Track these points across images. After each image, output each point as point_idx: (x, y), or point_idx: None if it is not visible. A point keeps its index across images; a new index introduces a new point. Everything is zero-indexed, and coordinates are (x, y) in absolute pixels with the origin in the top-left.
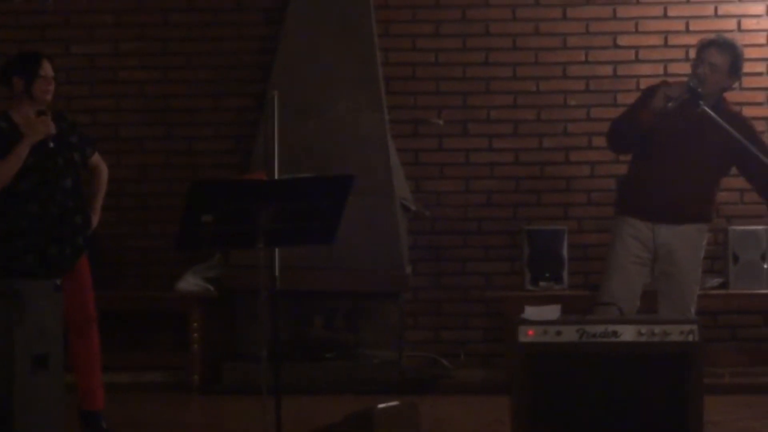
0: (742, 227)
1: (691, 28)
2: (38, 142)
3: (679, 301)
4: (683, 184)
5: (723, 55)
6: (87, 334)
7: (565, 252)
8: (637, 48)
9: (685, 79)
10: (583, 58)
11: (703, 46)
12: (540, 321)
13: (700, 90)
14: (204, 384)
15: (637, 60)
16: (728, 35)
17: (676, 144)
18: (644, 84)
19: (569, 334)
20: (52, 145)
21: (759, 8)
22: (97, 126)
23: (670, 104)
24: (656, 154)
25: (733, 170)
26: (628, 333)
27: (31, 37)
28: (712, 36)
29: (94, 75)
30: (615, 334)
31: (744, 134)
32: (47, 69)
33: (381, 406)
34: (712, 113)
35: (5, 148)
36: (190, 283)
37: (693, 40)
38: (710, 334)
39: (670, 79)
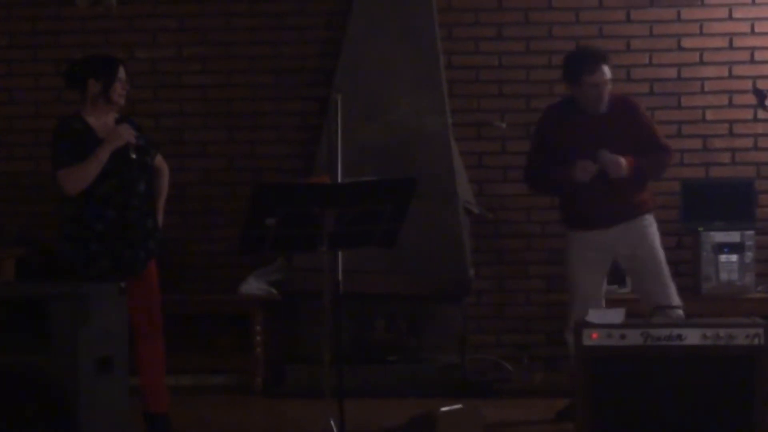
0: None
1: (757, 30)
2: (116, 147)
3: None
4: (608, 189)
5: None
6: (152, 337)
7: None
8: (701, 50)
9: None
10: (647, 61)
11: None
12: (604, 324)
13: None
14: (267, 387)
15: (702, 62)
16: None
17: (587, 156)
18: (708, 86)
19: (633, 337)
20: (134, 156)
21: None
22: (161, 130)
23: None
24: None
25: None
26: (693, 336)
27: (95, 42)
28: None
29: (157, 79)
30: (680, 337)
31: (630, 116)
32: (123, 73)
33: (444, 409)
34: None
35: (82, 150)
36: (253, 286)
37: (758, 42)
38: None
39: (734, 83)
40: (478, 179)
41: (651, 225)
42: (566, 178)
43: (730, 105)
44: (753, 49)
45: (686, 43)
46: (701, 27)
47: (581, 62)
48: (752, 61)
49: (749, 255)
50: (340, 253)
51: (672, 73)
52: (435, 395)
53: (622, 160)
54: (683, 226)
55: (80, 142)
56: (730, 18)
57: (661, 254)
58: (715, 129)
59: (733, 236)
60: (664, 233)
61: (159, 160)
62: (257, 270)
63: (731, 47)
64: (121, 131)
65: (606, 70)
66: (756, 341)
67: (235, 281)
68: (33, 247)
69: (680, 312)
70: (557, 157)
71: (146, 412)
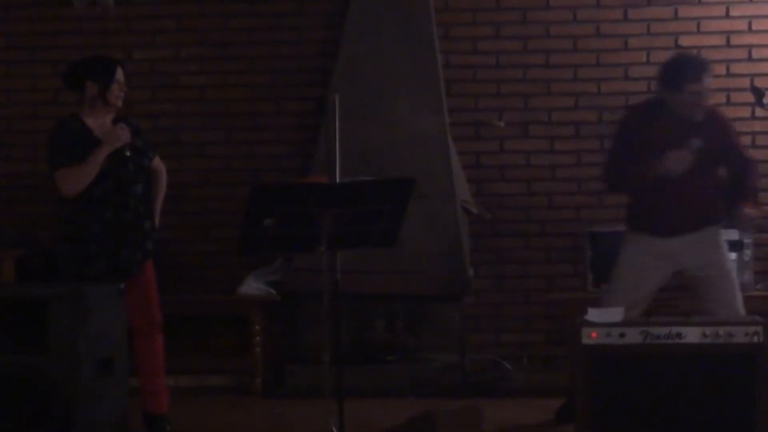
0: None
1: (754, 27)
2: (114, 149)
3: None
4: (686, 196)
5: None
6: (152, 337)
7: None
8: (699, 48)
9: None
10: (644, 59)
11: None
12: (603, 323)
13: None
14: (266, 387)
15: None
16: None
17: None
18: None
19: (633, 336)
20: (128, 153)
21: None
22: (159, 131)
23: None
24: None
25: None
26: (692, 335)
27: (93, 43)
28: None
29: (155, 80)
30: (679, 335)
31: (720, 127)
32: (121, 74)
33: (443, 409)
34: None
35: (80, 151)
36: (252, 286)
37: (756, 39)
38: None
39: (732, 81)
40: (476, 179)
41: (719, 235)
42: (655, 170)
43: (728, 103)
44: (750, 46)
45: (684, 41)
46: (698, 25)
47: (685, 69)
48: (750, 59)
49: (748, 253)
50: (338, 253)
51: None
52: (434, 395)
53: (754, 213)
54: None
55: (78, 143)
56: (728, 16)
57: (731, 266)
58: None
59: (732, 234)
60: None
61: (156, 161)
62: (256, 270)
63: (728, 45)
64: (118, 132)
65: (708, 79)
66: (755, 339)
67: (234, 282)
68: (32, 249)
69: None
70: (641, 158)
71: (146, 412)
